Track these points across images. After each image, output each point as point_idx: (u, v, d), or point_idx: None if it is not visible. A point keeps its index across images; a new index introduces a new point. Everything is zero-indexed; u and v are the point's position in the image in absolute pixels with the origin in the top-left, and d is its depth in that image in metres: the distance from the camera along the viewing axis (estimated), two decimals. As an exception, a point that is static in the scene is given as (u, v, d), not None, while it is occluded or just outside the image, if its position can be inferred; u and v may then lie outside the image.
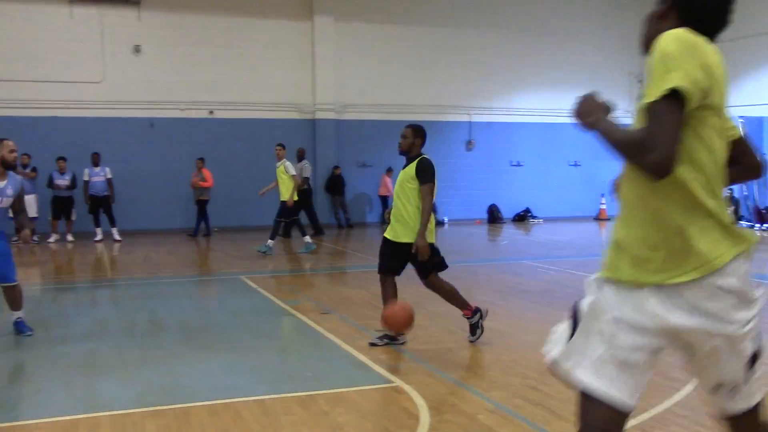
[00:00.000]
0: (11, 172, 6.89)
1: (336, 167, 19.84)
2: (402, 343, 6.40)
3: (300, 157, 16.63)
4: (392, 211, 6.43)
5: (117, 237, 16.21)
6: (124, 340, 6.87)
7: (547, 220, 21.70)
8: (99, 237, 16.24)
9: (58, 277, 11.66)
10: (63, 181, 16.18)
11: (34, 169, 16.17)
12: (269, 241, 13.19)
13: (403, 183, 6.36)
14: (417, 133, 6.46)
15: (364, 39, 20.50)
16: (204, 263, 13.25)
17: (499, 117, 21.85)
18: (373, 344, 6.38)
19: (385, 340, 6.40)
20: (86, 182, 16.26)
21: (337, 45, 20.13)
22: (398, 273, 6.48)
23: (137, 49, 18.25)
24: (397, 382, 5.34)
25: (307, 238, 13.73)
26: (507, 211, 21.86)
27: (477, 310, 6.53)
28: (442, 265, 6.52)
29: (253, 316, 7.96)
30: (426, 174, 6.28)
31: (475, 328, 6.54)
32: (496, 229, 19.90)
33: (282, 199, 13.43)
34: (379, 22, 20.56)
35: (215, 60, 18.98)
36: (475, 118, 21.66)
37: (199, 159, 17.03)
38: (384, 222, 19.93)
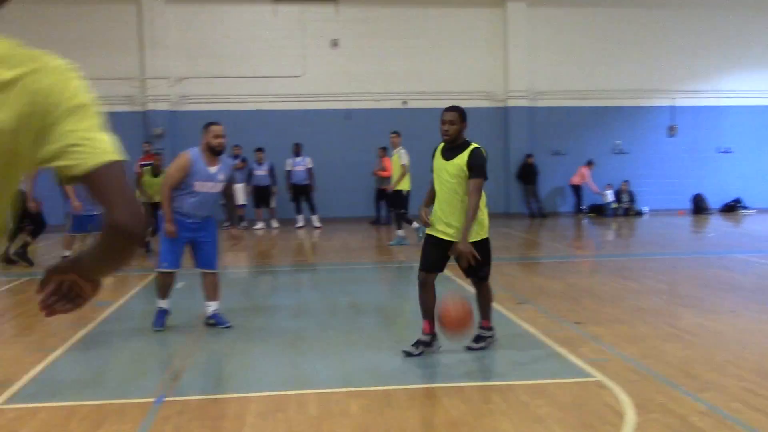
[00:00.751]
0: (224, 158, 6.89)
1: (529, 156, 19.49)
2: (437, 348, 5.75)
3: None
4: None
5: (317, 224, 16.98)
6: (327, 321, 7.16)
7: (761, 210, 20.02)
8: (300, 224, 17.09)
9: (263, 261, 12.39)
10: (261, 171, 17.19)
11: (243, 160, 17.31)
12: (398, 231, 13.15)
13: (454, 175, 5.60)
14: (463, 116, 5.71)
15: (556, 23, 19.96)
16: (399, 251, 13.53)
17: (706, 101, 20.43)
18: (408, 353, 5.69)
19: (421, 348, 5.71)
20: (288, 172, 17.18)
21: (529, 31, 19.76)
22: (471, 275, 5.78)
23: (335, 43, 18.99)
24: (599, 376, 5.14)
25: (401, 232, 13.34)
26: (714, 201, 20.42)
27: (492, 328, 5.94)
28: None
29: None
30: (480, 168, 5.56)
31: (481, 340, 5.87)
32: (701, 220, 18.67)
33: (397, 188, 13.18)
34: (571, 6, 19.93)
35: (409, 51, 19.31)
36: (679, 102, 20.39)
37: (381, 148, 17.41)
38: (578, 212, 19.36)
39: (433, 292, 5.76)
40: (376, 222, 17.57)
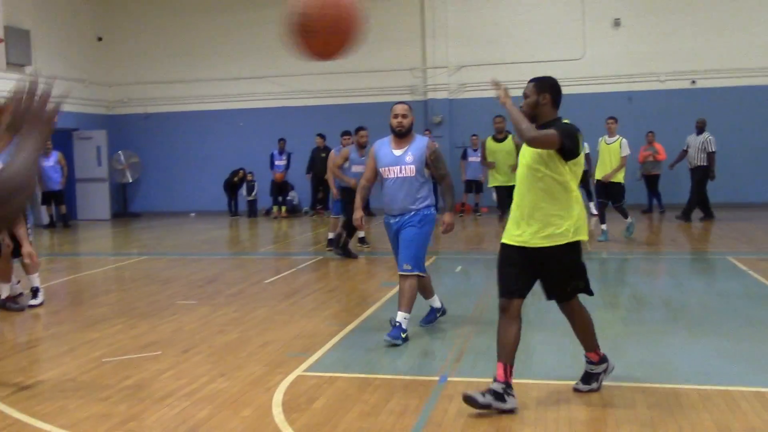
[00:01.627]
0: (418, 136, 6.25)
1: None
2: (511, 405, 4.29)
3: (701, 129, 14.81)
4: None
5: (593, 211, 16.48)
6: (607, 312, 6.92)
7: None
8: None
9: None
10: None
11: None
12: (628, 219, 11.96)
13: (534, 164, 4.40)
14: (544, 86, 4.54)
15: None
16: (686, 240, 12.68)
17: None
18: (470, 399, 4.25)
19: (489, 399, 4.24)
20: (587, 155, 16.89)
21: None
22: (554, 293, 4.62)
23: (617, 23, 18.19)
24: None
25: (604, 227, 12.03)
26: None
27: (605, 359, 4.66)
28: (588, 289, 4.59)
29: (745, 301, 7.34)
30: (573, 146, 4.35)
31: (592, 379, 4.61)
32: None
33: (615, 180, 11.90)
34: None
35: (697, 26, 17.89)
36: None
37: (650, 132, 16.38)
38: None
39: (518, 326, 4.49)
40: (648, 211, 16.60)
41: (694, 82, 17.86)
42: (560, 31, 18.46)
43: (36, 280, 7.81)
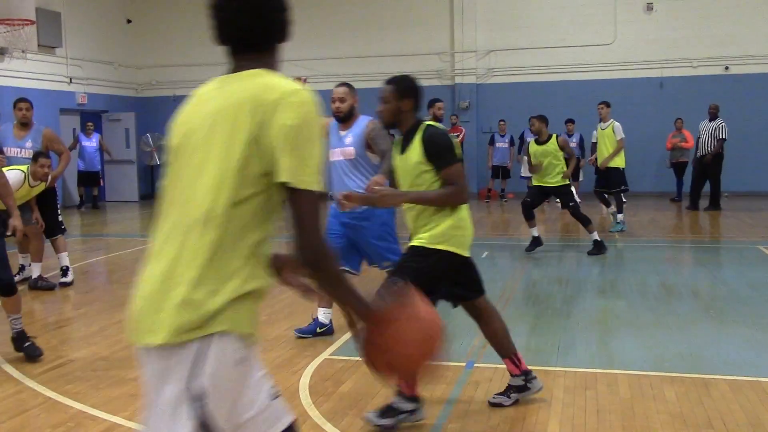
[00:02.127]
0: (363, 117, 5.97)
1: None
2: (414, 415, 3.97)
3: (714, 115, 14.48)
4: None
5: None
6: (636, 301, 6.87)
7: None
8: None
9: (565, 235, 12.20)
10: (572, 143, 16.83)
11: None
12: (618, 215, 11.62)
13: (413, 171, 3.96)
14: (406, 91, 4.10)
15: None
16: (716, 229, 12.53)
17: None
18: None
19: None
20: (594, 143, 16.66)
21: None
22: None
23: (649, 7, 17.91)
24: None
25: (622, 216, 11.66)
26: None
27: (527, 372, 4.24)
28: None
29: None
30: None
31: (510, 392, 4.21)
32: None
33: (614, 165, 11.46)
34: None
35: (731, 10, 17.57)
36: None
37: (678, 119, 16.12)
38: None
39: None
40: (676, 199, 16.36)
41: (727, 68, 17.56)
42: (591, 15, 18.22)
43: (65, 258, 7.92)
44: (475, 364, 4.95)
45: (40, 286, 7.65)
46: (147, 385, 1.96)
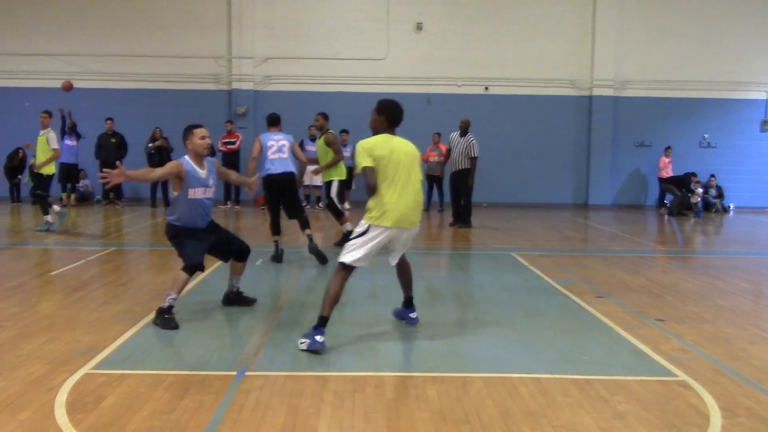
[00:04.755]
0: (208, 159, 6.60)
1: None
2: None
3: (464, 130, 15.33)
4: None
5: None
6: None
7: None
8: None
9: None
10: (345, 153, 17.27)
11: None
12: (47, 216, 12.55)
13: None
14: (380, 109, 5.96)
15: (647, 10, 19.39)
16: (474, 238, 13.45)
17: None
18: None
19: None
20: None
21: (618, 17, 19.27)
22: None
23: (419, 27, 18.92)
24: (682, 376, 5.01)
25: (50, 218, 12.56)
26: (806, 200, 19.57)
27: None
28: None
29: (526, 294, 7.92)
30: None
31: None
32: (791, 220, 17.90)
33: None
34: (667, -9, 19.33)
35: (493, 36, 19.10)
36: (775, 96, 19.60)
37: (436, 133, 17.24)
38: (660, 207, 18.80)
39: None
40: (426, 209, 17.30)
41: (487, 88, 18.99)
42: (365, 30, 18.89)
43: None
44: (247, 373, 4.90)
45: None
46: (399, 242, 5.93)
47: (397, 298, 7.46)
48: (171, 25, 18.78)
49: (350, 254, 5.67)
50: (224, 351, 5.52)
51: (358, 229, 5.73)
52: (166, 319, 6.15)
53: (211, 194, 6.54)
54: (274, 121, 9.92)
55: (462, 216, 14.22)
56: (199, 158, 6.45)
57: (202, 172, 6.44)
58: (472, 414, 4.22)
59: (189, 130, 6.48)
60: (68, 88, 15.70)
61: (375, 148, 5.69)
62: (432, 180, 17.10)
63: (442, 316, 6.76)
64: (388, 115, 5.91)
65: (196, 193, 6.37)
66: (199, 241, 6.42)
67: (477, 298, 7.81)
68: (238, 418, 4.10)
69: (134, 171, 6.39)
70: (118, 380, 4.71)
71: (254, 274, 8.35)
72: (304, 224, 9.74)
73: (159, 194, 17.47)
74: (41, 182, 12.58)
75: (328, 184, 10.94)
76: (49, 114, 12.77)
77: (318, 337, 5.41)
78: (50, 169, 12.65)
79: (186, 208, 6.36)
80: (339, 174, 10.91)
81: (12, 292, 7.37)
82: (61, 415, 4.10)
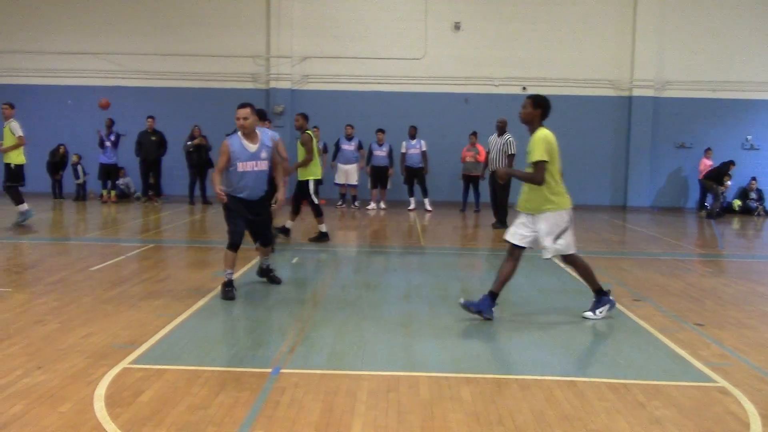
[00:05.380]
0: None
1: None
2: None
3: (502, 130, 14.73)
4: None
5: (428, 207, 17.00)
6: (437, 305, 7.17)
7: None
8: (412, 206, 17.16)
9: (374, 242, 12.52)
10: (381, 152, 17.35)
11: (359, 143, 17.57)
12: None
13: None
14: (537, 103, 6.40)
15: (689, 9, 19.07)
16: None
17: None
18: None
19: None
20: (403, 154, 17.26)
21: (659, 17, 18.98)
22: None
23: (457, 26, 18.86)
24: (722, 382, 4.92)
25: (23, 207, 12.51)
26: None
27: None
28: None
29: (561, 296, 7.85)
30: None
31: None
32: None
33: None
34: (711, -10, 19.00)
35: (531, 35, 18.96)
36: (819, 97, 19.15)
37: (472, 133, 17.06)
38: (702, 209, 18.50)
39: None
40: (462, 210, 17.15)
41: (524, 88, 18.84)
42: (403, 30, 18.88)
43: None
44: (282, 370, 4.93)
45: None
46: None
47: (432, 298, 7.47)
48: (211, 25, 18.98)
49: (568, 245, 6.47)
50: (260, 348, 5.57)
51: (558, 228, 6.36)
52: (225, 290, 7.16)
53: (264, 166, 7.26)
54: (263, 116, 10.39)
55: (498, 216, 14.13)
56: (248, 134, 7.16)
57: (252, 147, 7.18)
58: (506, 416, 4.20)
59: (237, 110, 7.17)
60: (105, 106, 15.96)
61: (551, 143, 6.31)
62: (468, 180, 17.01)
63: (477, 317, 6.73)
64: (545, 109, 6.41)
65: (245, 166, 7.13)
66: (242, 220, 7.27)
67: (512, 300, 7.75)
68: (273, 415, 4.14)
69: (216, 184, 7.12)
70: (155, 375, 4.77)
71: (290, 272, 8.41)
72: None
73: (197, 191, 17.66)
74: (12, 174, 12.56)
75: (303, 183, 11.23)
76: (11, 105, 12.67)
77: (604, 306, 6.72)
78: (20, 159, 12.60)
79: (236, 179, 7.14)
80: (314, 174, 11.26)
81: (54, 287, 7.52)
82: (100, 408, 4.17)
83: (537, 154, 6.24)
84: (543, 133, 6.35)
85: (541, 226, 6.41)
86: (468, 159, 16.91)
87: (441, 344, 5.75)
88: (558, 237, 6.41)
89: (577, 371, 5.13)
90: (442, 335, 6.01)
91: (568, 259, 6.65)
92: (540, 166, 6.26)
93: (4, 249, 10.10)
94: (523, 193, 6.52)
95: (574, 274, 8.94)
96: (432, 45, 18.87)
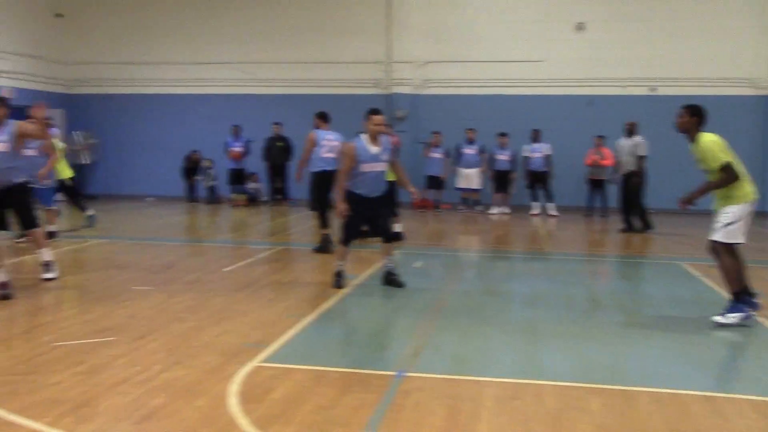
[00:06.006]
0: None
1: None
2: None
3: (630, 132, 14.07)
4: None
5: (553, 212, 16.67)
6: (563, 313, 7.02)
7: None
8: (535, 211, 16.88)
9: (497, 246, 12.40)
10: (503, 156, 17.18)
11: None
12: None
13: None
14: (693, 112, 6.68)
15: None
16: (641, 245, 12.90)
17: None
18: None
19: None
20: (525, 158, 17.02)
21: (804, 11, 17.79)
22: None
23: (580, 27, 18.40)
24: None
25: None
26: None
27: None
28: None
29: (696, 307, 7.49)
30: None
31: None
32: None
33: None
34: None
35: (658, 34, 18.21)
36: None
37: (598, 136, 16.48)
38: None
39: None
40: (589, 214, 16.65)
41: (654, 89, 18.15)
42: (523, 32, 18.61)
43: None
44: (406, 373, 4.97)
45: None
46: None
47: (557, 306, 7.31)
48: (334, 32, 19.39)
49: (736, 237, 6.43)
50: (384, 351, 5.64)
51: (727, 218, 6.40)
52: (336, 280, 7.89)
53: (384, 167, 7.74)
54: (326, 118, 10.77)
55: (642, 219, 13.72)
56: (373, 137, 7.61)
57: (375, 149, 7.61)
58: (638, 430, 4.05)
59: (368, 115, 7.63)
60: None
61: (720, 143, 6.56)
62: (594, 184, 16.55)
63: (606, 326, 6.54)
64: (701, 116, 6.72)
65: (367, 167, 7.59)
66: (359, 219, 7.77)
67: (643, 309, 7.48)
68: (397, 418, 4.17)
69: (340, 188, 7.73)
70: (284, 374, 4.92)
71: (412, 276, 8.45)
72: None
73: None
74: (67, 188, 12.36)
75: (393, 183, 10.93)
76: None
77: (738, 313, 6.43)
78: (67, 173, 12.18)
79: (360, 179, 7.61)
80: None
81: (190, 286, 7.90)
82: (233, 404, 4.34)
83: (718, 159, 6.40)
84: (708, 138, 6.54)
85: (722, 216, 6.47)
86: (594, 162, 16.47)
87: (567, 353, 5.62)
88: (730, 224, 6.40)
89: (715, 386, 4.88)
90: (569, 343, 5.88)
91: (720, 249, 6.49)
92: (727, 168, 6.37)
93: (145, 250, 10.69)
94: (715, 196, 6.62)
95: (709, 282, 8.53)
96: (554, 46, 18.49)
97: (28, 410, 4.16)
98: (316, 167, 10.28)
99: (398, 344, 5.90)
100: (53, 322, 6.28)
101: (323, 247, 10.28)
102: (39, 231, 7.92)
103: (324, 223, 10.43)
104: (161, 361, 5.17)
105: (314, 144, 10.28)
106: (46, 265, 8.03)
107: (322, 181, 10.22)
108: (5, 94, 17.49)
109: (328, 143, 10.33)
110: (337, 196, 7.67)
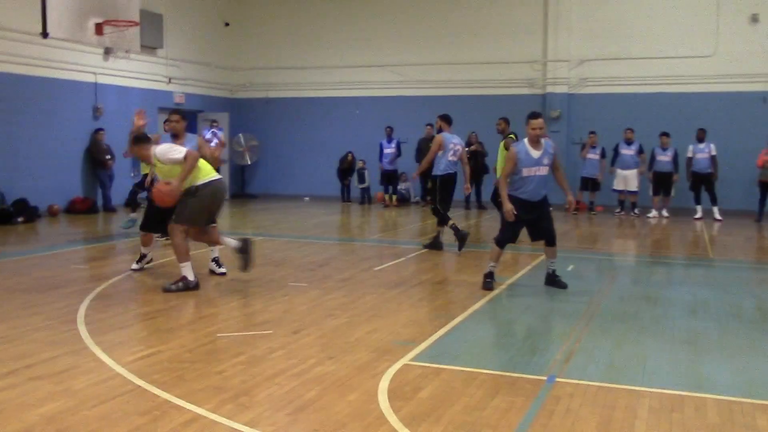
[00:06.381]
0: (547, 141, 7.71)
1: None
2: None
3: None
4: None
5: (718, 216, 15.73)
6: (729, 323, 6.60)
7: None
8: (699, 215, 15.99)
9: (655, 252, 11.85)
10: (665, 157, 16.38)
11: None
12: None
13: None
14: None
15: None
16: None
17: None
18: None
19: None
20: (689, 158, 16.16)
21: None
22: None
23: (755, 18, 17.20)
24: None
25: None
26: None
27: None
28: None
29: None
30: None
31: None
32: None
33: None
34: None
35: None
36: None
37: None
38: None
39: None
40: (758, 219, 15.45)
41: None
42: (689, 26, 17.67)
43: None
44: (557, 379, 4.86)
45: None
46: None
47: (721, 316, 6.89)
48: (489, 32, 19.27)
49: None
50: (535, 355, 5.53)
51: None
52: (485, 282, 7.82)
53: (545, 171, 7.65)
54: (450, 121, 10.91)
55: None
56: (535, 141, 7.56)
57: (536, 153, 7.57)
58: (813, 452, 3.74)
59: (527, 119, 7.61)
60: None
61: None
62: (765, 187, 15.43)
63: (776, 339, 6.09)
64: None
65: (530, 171, 7.56)
66: (518, 225, 7.67)
67: (819, 322, 6.90)
68: (547, 424, 4.08)
69: (503, 192, 7.64)
70: (433, 373, 4.95)
71: (565, 280, 8.24)
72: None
73: (473, 197, 17.96)
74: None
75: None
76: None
77: None
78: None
79: (521, 183, 7.59)
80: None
81: (342, 284, 8.12)
82: (383, 400, 4.41)
83: None
84: None
85: None
86: (766, 164, 15.35)
87: (732, 365, 5.28)
88: None
89: None
90: (734, 356, 5.52)
91: None
92: None
93: (301, 248, 11.10)
94: None
95: None
96: (724, 40, 17.40)
97: (193, 395, 4.44)
98: (442, 170, 10.47)
99: (549, 348, 5.78)
100: (216, 314, 6.66)
101: (435, 243, 10.79)
102: (215, 229, 8.37)
103: (443, 220, 10.76)
104: (315, 355, 5.35)
105: (442, 147, 10.43)
106: (217, 261, 8.65)
107: (447, 184, 10.55)
108: (179, 100, 18.81)
109: (454, 147, 10.58)
110: (503, 199, 7.62)
